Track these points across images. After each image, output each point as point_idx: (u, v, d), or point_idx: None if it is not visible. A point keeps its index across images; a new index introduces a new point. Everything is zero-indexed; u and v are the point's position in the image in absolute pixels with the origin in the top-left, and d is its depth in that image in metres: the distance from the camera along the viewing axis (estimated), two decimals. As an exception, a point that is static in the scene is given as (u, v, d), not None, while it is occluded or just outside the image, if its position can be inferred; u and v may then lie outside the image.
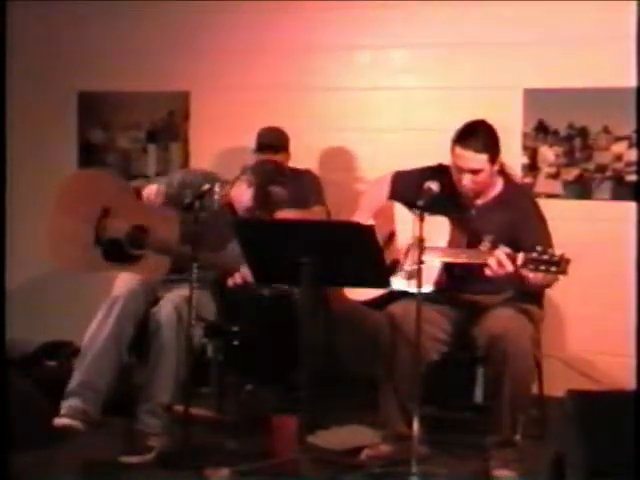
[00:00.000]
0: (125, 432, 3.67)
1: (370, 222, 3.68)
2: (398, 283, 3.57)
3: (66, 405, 3.60)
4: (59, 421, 3.55)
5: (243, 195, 3.89)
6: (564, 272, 3.25)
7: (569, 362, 4.35)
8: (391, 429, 3.62)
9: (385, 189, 3.90)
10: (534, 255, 3.28)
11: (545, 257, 3.26)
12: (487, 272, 3.38)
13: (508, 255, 3.34)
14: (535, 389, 3.87)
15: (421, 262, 3.29)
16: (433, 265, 3.54)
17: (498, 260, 3.35)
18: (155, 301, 3.82)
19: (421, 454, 3.42)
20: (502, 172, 3.74)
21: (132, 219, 3.84)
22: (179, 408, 3.62)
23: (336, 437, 3.87)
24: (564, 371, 4.31)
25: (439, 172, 3.66)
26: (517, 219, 3.59)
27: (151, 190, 3.94)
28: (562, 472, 2.70)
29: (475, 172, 3.57)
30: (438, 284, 3.57)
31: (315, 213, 4.48)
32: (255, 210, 3.88)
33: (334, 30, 4.84)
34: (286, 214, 4.08)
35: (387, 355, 3.59)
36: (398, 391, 3.56)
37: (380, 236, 3.70)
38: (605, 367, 4.30)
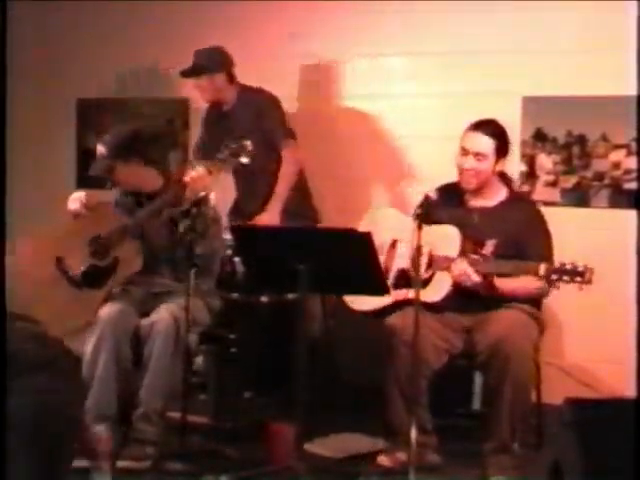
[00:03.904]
0: (123, 438, 3.66)
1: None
2: (408, 292, 3.61)
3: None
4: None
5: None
6: (589, 282, 3.33)
7: (567, 370, 4.35)
8: (404, 436, 3.61)
9: None
10: (557, 266, 3.36)
11: (568, 267, 3.34)
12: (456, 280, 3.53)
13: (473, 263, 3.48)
14: (533, 397, 3.87)
15: (418, 268, 3.30)
16: (446, 278, 3.59)
17: (462, 271, 3.49)
18: (147, 312, 3.80)
19: (433, 463, 3.56)
20: (506, 181, 3.80)
21: (79, 246, 3.84)
22: (176, 415, 3.62)
23: (334, 445, 3.87)
24: (562, 379, 4.30)
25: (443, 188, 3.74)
26: (521, 226, 3.63)
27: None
28: (560, 480, 2.70)
29: (479, 157, 3.66)
30: (446, 300, 3.62)
31: (288, 157, 4.43)
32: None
33: (331, 38, 4.84)
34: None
35: (390, 365, 3.60)
36: (405, 400, 3.56)
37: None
38: (603, 375, 4.29)
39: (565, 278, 3.34)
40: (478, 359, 3.58)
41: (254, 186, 4.51)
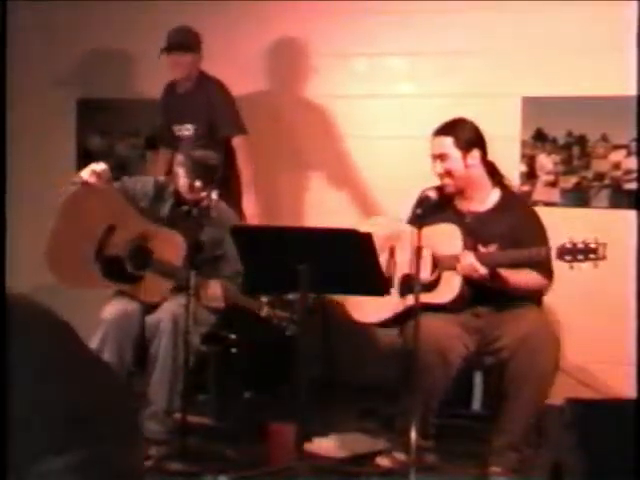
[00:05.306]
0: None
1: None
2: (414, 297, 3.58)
3: None
4: None
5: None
6: (603, 257, 3.32)
7: (567, 370, 4.34)
8: (407, 439, 3.58)
9: None
10: (568, 246, 3.34)
11: (580, 246, 3.32)
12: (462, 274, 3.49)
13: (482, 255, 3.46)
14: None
15: (419, 271, 3.29)
16: (455, 277, 3.56)
17: (469, 265, 3.45)
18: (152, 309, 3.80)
19: (429, 463, 3.53)
20: (500, 183, 3.76)
21: (136, 238, 3.80)
22: (176, 415, 3.62)
23: (334, 445, 3.86)
24: (562, 379, 4.29)
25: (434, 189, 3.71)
26: (517, 227, 3.60)
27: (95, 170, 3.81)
28: (560, 480, 2.70)
29: (442, 157, 3.66)
30: (460, 298, 3.58)
31: (242, 149, 4.48)
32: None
33: (331, 37, 4.85)
34: None
35: (411, 370, 3.54)
36: (421, 404, 3.52)
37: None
38: (604, 375, 4.30)
39: (579, 257, 3.32)
40: (501, 355, 3.52)
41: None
